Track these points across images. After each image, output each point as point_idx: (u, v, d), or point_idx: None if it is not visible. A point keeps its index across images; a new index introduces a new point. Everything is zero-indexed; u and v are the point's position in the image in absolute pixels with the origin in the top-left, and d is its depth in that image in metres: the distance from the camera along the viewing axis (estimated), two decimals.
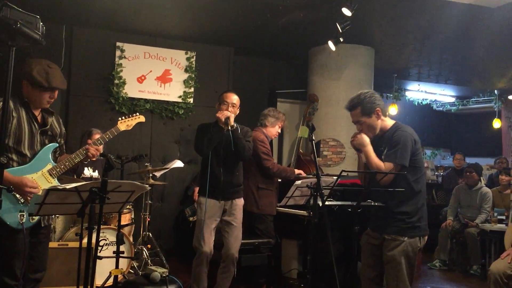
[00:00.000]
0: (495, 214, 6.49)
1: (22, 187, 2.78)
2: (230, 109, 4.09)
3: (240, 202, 4.25)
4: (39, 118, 3.01)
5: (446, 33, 6.36)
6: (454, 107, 11.86)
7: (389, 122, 3.29)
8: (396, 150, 3.11)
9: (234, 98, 4.17)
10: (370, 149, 3.21)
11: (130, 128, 3.50)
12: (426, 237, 3.25)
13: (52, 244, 4.03)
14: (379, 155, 3.20)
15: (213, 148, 4.06)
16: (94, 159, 3.10)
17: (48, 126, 3.05)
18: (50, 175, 2.98)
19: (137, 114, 3.59)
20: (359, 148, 3.28)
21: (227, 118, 3.98)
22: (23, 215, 2.81)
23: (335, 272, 3.22)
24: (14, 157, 2.86)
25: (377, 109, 3.22)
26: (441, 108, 12.10)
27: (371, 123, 3.23)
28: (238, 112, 4.20)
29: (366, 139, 3.23)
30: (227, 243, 4.15)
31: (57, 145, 3.09)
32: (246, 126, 4.34)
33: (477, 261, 6.41)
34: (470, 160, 8.43)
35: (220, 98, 4.22)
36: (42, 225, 3.02)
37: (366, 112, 3.21)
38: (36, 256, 3.01)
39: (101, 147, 4.91)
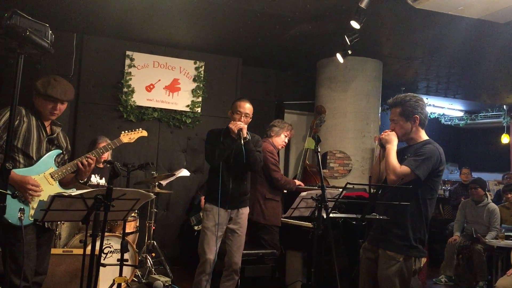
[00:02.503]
0: (503, 230, 6.43)
1: (24, 185, 2.90)
2: (243, 119, 4.06)
3: (245, 211, 4.24)
4: (48, 128, 3.18)
5: (454, 48, 6.36)
6: (462, 122, 11.82)
7: (422, 135, 3.24)
8: (418, 159, 3.05)
9: (247, 107, 4.12)
10: (393, 148, 3.16)
11: (132, 141, 3.66)
12: (424, 260, 3.20)
13: (57, 251, 4.05)
14: (401, 162, 3.12)
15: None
16: (86, 169, 3.17)
17: (55, 135, 3.21)
18: (52, 177, 3.09)
19: (140, 129, 3.76)
20: (383, 144, 3.23)
21: (240, 130, 3.94)
22: (23, 212, 2.90)
23: (338, 285, 3.20)
24: (21, 159, 3.00)
25: (416, 116, 3.16)
26: (449, 122, 12.06)
27: (404, 126, 3.19)
28: (250, 120, 4.16)
29: (394, 137, 3.20)
30: (230, 251, 4.14)
31: (61, 151, 3.23)
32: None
33: (484, 277, 6.34)
34: (477, 175, 8.38)
35: (233, 106, 4.16)
36: (46, 226, 3.12)
37: (404, 114, 3.17)
38: (37, 259, 3.05)
39: (107, 154, 4.98)
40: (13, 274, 2.87)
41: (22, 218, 2.87)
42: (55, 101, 3.09)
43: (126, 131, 3.63)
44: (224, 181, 4.06)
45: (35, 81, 3.09)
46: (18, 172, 2.92)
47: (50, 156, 3.14)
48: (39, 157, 3.07)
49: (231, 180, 4.09)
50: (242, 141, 3.93)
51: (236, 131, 3.94)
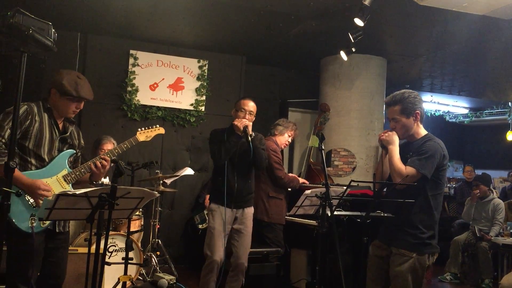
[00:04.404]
0: (508, 227, 6.41)
1: (35, 190, 2.79)
2: (247, 116, 4.03)
3: (250, 210, 4.22)
4: (60, 126, 3.07)
5: (459, 44, 6.33)
6: (467, 119, 11.78)
7: (422, 131, 3.20)
8: (422, 158, 3.02)
9: (251, 106, 4.09)
10: (396, 149, 3.12)
11: (149, 140, 3.50)
12: (436, 255, 3.15)
13: None
14: (404, 161, 3.09)
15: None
16: (101, 171, 3.08)
17: (68, 134, 3.10)
18: (65, 180, 3.00)
19: (157, 126, 3.58)
20: (385, 146, 3.19)
21: (246, 127, 3.92)
22: (34, 219, 2.81)
23: (343, 283, 3.20)
24: (33, 160, 2.90)
25: (417, 111, 3.13)
26: (454, 120, 12.02)
27: (406, 124, 3.14)
28: (254, 119, 4.13)
29: (396, 138, 3.15)
30: (236, 252, 4.12)
31: (74, 152, 3.13)
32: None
33: (489, 274, 6.32)
34: (479, 172, 8.35)
35: (237, 104, 4.15)
36: (57, 231, 3.02)
37: (405, 111, 3.12)
38: (54, 262, 3.02)
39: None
40: (16, 277, 2.82)
41: (34, 225, 2.79)
42: (81, 100, 3.01)
43: (143, 129, 3.48)
44: (229, 180, 4.04)
45: (56, 78, 2.98)
46: (29, 175, 2.83)
47: (63, 157, 3.03)
48: (52, 158, 2.97)
49: (236, 179, 4.07)
50: (249, 138, 3.91)
51: (241, 128, 3.92)
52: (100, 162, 3.05)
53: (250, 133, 3.94)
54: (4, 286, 2.89)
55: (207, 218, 5.99)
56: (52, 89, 3.00)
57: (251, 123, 4.01)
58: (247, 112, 4.05)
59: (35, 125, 2.89)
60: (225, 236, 4.06)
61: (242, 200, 4.14)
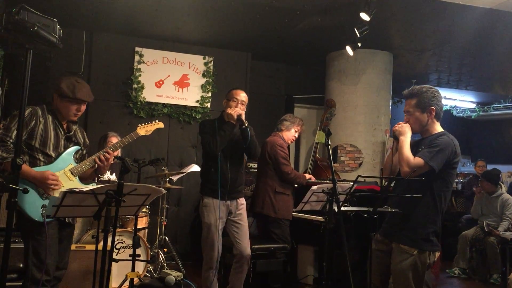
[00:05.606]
0: None
1: (44, 180, 2.94)
2: (239, 106, 4.02)
3: (243, 201, 4.20)
4: (64, 126, 3.22)
5: (466, 38, 6.29)
6: (474, 113, 11.72)
7: (437, 128, 3.17)
8: (432, 151, 2.99)
9: (243, 96, 4.09)
10: (406, 140, 3.10)
11: (149, 134, 3.66)
12: (438, 254, 3.11)
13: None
14: (416, 155, 3.06)
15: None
16: (105, 164, 3.23)
17: (72, 133, 3.26)
18: (72, 173, 3.15)
19: (156, 120, 3.74)
20: (397, 136, 3.17)
21: (239, 115, 3.91)
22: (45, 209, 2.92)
23: (350, 279, 3.19)
24: (41, 157, 3.05)
25: (432, 107, 3.10)
26: (461, 114, 11.95)
27: (420, 118, 3.12)
28: (245, 109, 4.10)
29: (408, 129, 3.13)
30: (240, 244, 4.09)
31: (80, 147, 3.28)
32: (264, 130, 4.29)
33: (497, 270, 6.29)
34: (490, 168, 8.30)
35: (228, 95, 4.14)
36: (66, 221, 3.17)
37: (420, 105, 3.10)
38: (58, 254, 3.09)
39: (118, 150, 4.99)
40: (35, 268, 2.92)
41: (45, 214, 2.90)
42: (80, 102, 3.15)
43: (143, 124, 3.63)
44: (222, 171, 4.00)
45: (56, 82, 3.14)
46: (38, 169, 2.98)
47: (69, 153, 3.18)
48: (58, 154, 3.11)
49: (229, 170, 4.04)
50: (245, 125, 3.89)
51: (235, 116, 3.90)
52: (104, 156, 3.20)
53: (244, 121, 3.93)
54: (21, 283, 2.95)
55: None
56: (54, 94, 3.17)
57: (243, 112, 3.99)
58: (239, 102, 4.05)
59: (40, 125, 3.05)
60: (220, 230, 4.04)
61: (235, 191, 4.11)
